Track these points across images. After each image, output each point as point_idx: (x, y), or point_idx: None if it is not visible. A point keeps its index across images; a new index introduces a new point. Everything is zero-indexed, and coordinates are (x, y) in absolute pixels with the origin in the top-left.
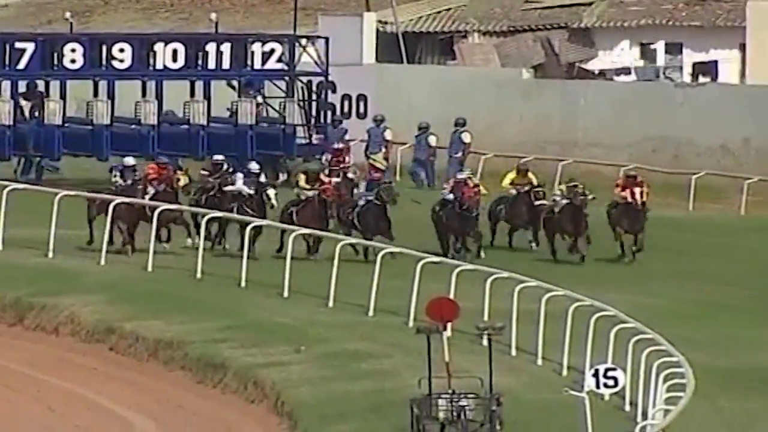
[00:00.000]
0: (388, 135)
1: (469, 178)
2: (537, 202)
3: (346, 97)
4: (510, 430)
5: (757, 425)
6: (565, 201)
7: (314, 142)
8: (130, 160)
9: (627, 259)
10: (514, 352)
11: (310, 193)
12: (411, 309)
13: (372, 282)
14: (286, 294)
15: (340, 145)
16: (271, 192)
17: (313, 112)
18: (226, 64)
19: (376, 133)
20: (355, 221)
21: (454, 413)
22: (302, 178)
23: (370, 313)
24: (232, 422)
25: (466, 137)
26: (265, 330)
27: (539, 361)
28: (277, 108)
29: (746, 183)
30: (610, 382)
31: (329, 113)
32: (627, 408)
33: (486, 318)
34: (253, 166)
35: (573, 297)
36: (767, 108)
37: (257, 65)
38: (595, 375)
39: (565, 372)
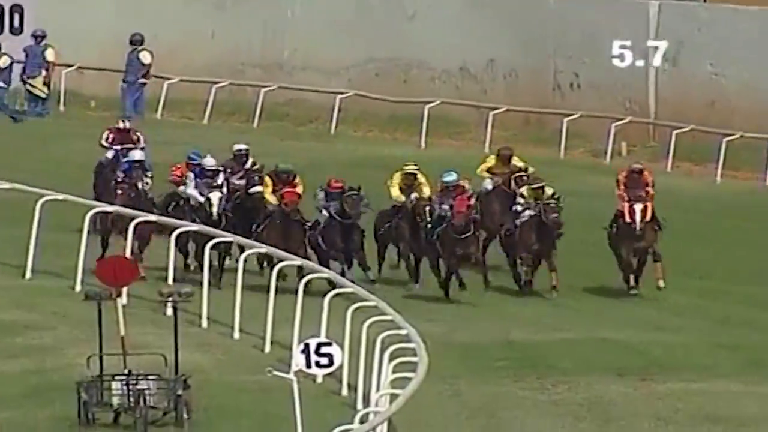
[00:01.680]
0: (49, 55)
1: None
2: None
3: None
4: (200, 419)
5: (503, 412)
6: (529, 212)
7: None
8: (137, 154)
9: (635, 291)
10: (205, 324)
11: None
12: (78, 269)
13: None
14: None
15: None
16: (214, 196)
17: None
18: None
19: (35, 52)
20: (320, 242)
21: (131, 398)
22: (267, 182)
23: (27, 274)
24: None
25: (146, 57)
26: None
27: (236, 335)
28: None
29: (491, 114)
30: (324, 361)
31: None
32: (344, 392)
33: (171, 281)
34: (208, 162)
35: (280, 255)
36: (517, 22)
37: None
38: (305, 352)
39: (268, 348)
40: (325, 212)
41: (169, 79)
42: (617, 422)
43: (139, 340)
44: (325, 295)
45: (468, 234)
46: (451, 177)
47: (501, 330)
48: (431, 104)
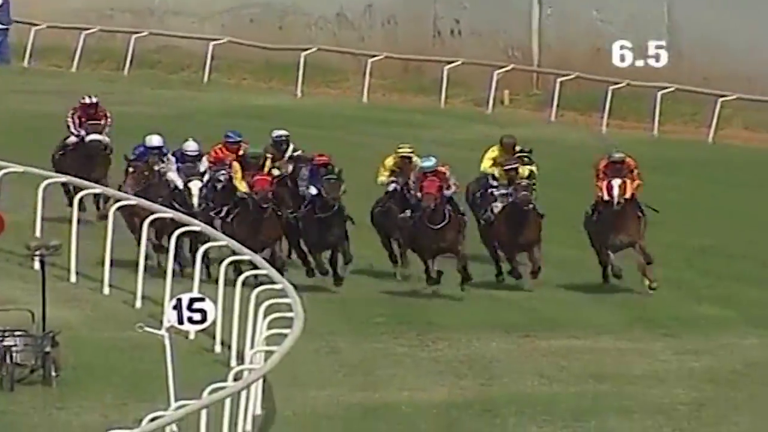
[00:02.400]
0: None
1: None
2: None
3: None
4: (68, 377)
5: (381, 370)
6: (501, 201)
7: None
8: (193, 146)
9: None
10: (74, 278)
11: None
12: None
13: None
14: None
15: None
16: (194, 186)
17: None
18: None
19: None
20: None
21: None
22: (236, 168)
23: None
24: None
25: None
26: None
27: (106, 290)
28: None
29: (369, 61)
30: (197, 317)
31: None
32: (218, 349)
33: (38, 234)
34: (190, 146)
35: (148, 206)
36: None
37: None
38: (178, 307)
39: (139, 303)
40: (307, 192)
41: (36, 25)
42: (500, 380)
43: (5, 294)
44: (195, 251)
45: (443, 223)
46: (430, 162)
47: (380, 285)
48: (307, 51)
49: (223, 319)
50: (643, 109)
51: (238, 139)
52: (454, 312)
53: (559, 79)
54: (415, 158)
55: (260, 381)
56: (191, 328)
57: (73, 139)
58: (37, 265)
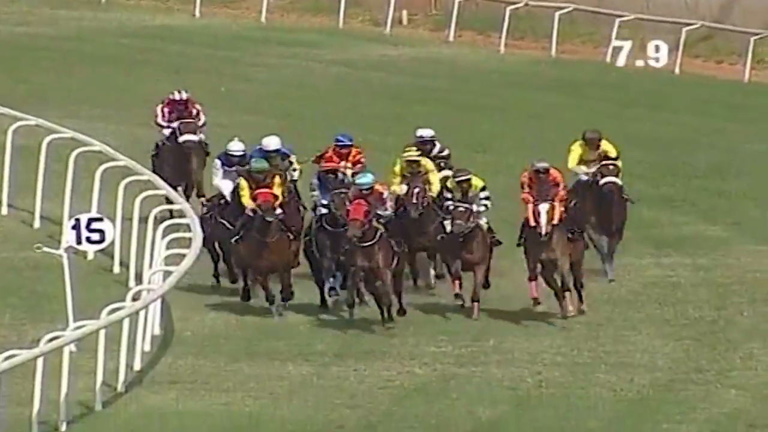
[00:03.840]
0: None
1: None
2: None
3: None
4: None
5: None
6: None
7: None
8: (238, 146)
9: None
10: None
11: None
12: None
13: None
14: None
15: None
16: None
17: None
18: None
19: None
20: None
21: None
22: (243, 185)
23: None
24: None
25: None
26: None
27: (4, 210)
28: None
29: None
30: (95, 236)
31: None
32: (116, 269)
33: None
34: (235, 147)
35: (48, 127)
36: None
37: None
38: (76, 227)
39: (37, 223)
40: (318, 206)
41: None
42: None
43: None
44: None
45: (370, 243)
46: (365, 179)
47: None
48: None
49: (121, 240)
50: (541, 29)
51: (349, 142)
52: None
53: (457, 0)
54: (424, 161)
55: (158, 301)
56: (90, 248)
57: (165, 133)
58: None
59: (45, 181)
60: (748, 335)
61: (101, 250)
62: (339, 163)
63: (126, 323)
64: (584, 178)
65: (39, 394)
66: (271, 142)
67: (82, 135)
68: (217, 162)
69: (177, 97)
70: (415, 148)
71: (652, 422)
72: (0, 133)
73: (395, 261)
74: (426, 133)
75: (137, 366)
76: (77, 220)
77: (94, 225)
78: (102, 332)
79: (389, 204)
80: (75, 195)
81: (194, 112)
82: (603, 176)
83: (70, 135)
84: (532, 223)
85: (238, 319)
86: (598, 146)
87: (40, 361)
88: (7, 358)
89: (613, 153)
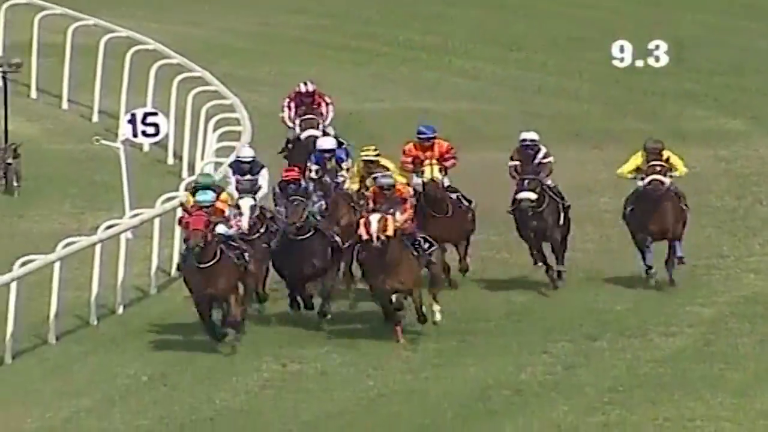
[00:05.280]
0: None
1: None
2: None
3: None
4: (29, 187)
5: None
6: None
7: None
8: (248, 151)
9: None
10: (34, 94)
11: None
12: None
13: None
14: None
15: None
16: (245, 204)
17: None
18: None
19: None
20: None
21: None
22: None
23: None
24: None
25: None
26: None
27: (65, 105)
28: None
29: None
30: (150, 130)
31: None
32: (170, 161)
33: (0, 52)
34: (245, 152)
35: (105, 26)
36: None
37: None
38: (132, 121)
39: (96, 118)
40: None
41: None
42: None
43: None
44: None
45: (209, 263)
46: (206, 196)
47: None
48: None
49: (175, 133)
50: None
51: (432, 135)
52: (389, 124)
53: None
54: (383, 161)
55: None
56: (145, 141)
57: (291, 134)
58: None
59: (103, 78)
60: (767, 223)
61: (156, 143)
62: (417, 158)
63: (179, 212)
64: (640, 184)
65: (97, 278)
66: (326, 143)
67: (137, 34)
68: (229, 170)
69: (303, 89)
70: (373, 147)
71: (674, 305)
72: (60, 33)
73: (237, 280)
74: (530, 135)
75: None
76: (133, 114)
77: (149, 119)
78: (157, 220)
79: (235, 223)
80: (131, 91)
81: (321, 104)
82: (648, 175)
83: (126, 34)
84: (365, 235)
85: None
86: (660, 157)
87: (98, 248)
88: (67, 245)
89: (677, 162)
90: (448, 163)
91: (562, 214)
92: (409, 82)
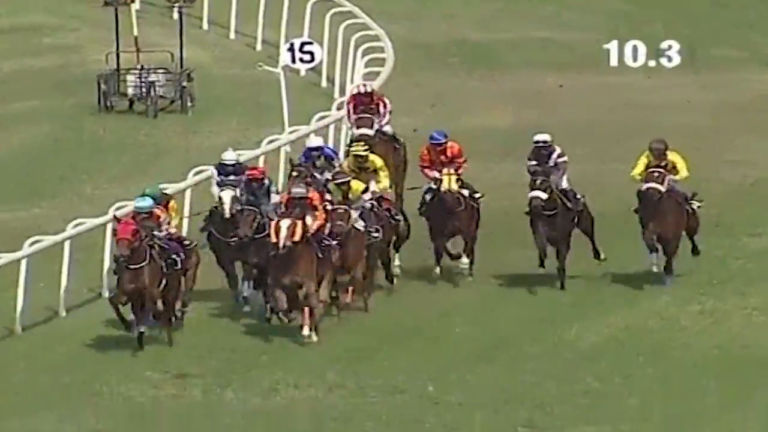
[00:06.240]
0: None
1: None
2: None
3: None
4: (201, 107)
5: (455, 102)
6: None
7: None
8: (231, 155)
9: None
10: (206, 26)
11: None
12: None
13: None
14: None
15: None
16: (226, 195)
17: None
18: None
19: None
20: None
21: (144, 89)
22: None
23: None
24: None
25: None
26: None
27: (232, 35)
28: None
29: None
30: (306, 57)
31: None
32: (324, 84)
33: None
34: (228, 155)
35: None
36: None
37: None
38: (291, 49)
39: (259, 46)
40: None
41: None
42: (554, 109)
43: (150, 39)
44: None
45: (136, 265)
46: (144, 203)
47: (456, 30)
48: None
49: (328, 59)
50: None
51: (444, 140)
52: (517, 52)
53: None
54: (372, 157)
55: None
56: (302, 67)
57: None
58: (176, 15)
59: (265, 11)
60: None
61: (311, 69)
62: (432, 163)
63: (332, 129)
64: (644, 186)
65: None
66: (313, 141)
67: None
68: (214, 171)
69: (361, 90)
70: (362, 143)
71: (759, 208)
72: None
73: (164, 282)
74: (543, 137)
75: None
76: (292, 43)
77: (306, 47)
78: (312, 135)
79: (165, 228)
80: (290, 23)
81: (379, 105)
82: (646, 182)
83: None
84: (273, 239)
85: (419, 126)
86: (664, 156)
87: (261, 159)
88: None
89: (680, 164)
90: (461, 170)
91: (576, 219)
92: (531, 14)
